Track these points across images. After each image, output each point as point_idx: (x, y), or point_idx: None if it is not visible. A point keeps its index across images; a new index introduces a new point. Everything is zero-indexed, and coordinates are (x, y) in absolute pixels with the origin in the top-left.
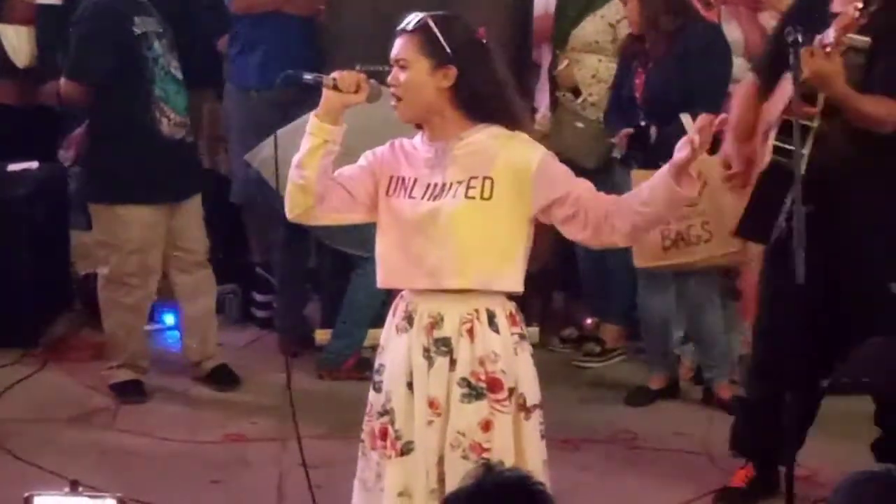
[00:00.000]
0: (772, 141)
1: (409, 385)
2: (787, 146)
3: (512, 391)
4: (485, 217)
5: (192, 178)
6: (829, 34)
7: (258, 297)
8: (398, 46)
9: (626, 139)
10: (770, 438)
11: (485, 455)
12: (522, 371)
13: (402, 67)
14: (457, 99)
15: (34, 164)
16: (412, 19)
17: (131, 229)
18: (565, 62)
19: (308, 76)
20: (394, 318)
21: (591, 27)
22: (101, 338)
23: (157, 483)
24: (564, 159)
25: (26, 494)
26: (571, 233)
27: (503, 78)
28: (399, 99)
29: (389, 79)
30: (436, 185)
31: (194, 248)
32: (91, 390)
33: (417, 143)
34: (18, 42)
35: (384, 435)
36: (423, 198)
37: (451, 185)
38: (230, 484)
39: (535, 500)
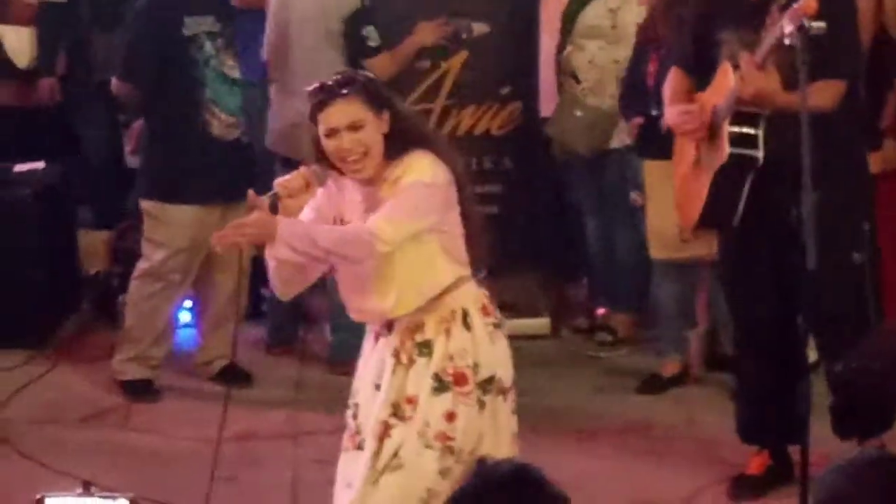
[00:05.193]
0: (727, 131)
1: (377, 386)
2: (746, 132)
3: (491, 379)
4: (413, 245)
5: (244, 180)
6: (763, 46)
7: (267, 294)
8: (341, 112)
9: (636, 128)
10: (771, 421)
11: (448, 444)
12: (499, 358)
13: (357, 128)
14: (387, 142)
15: (40, 165)
16: (342, 84)
17: (183, 228)
18: (569, 48)
19: (265, 198)
20: (372, 326)
21: (592, 12)
22: (112, 337)
23: (170, 482)
24: (561, 145)
25: (38, 495)
26: None
27: (412, 110)
28: (364, 156)
29: (346, 144)
30: None
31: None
32: (102, 390)
33: (349, 185)
34: (19, 43)
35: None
36: None
37: None
38: (243, 481)
39: (540, 487)
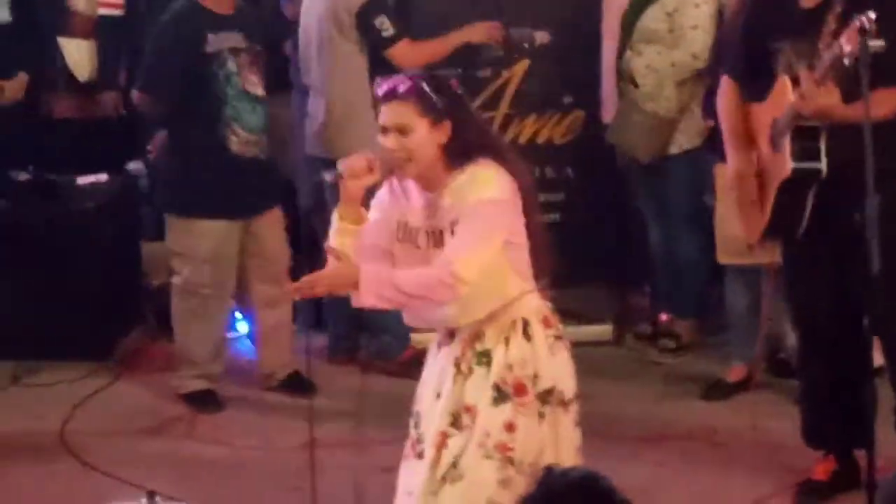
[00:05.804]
0: (788, 147)
1: (439, 395)
2: (808, 146)
3: (551, 390)
4: None
5: (266, 194)
6: (822, 63)
7: (326, 303)
8: (393, 113)
9: (708, 130)
10: (834, 426)
11: (508, 454)
12: (559, 370)
13: (405, 133)
14: (447, 150)
15: (103, 177)
16: (398, 85)
17: (204, 241)
18: (628, 53)
19: (328, 176)
20: (436, 335)
21: (650, 16)
22: (174, 349)
23: (235, 492)
24: (621, 151)
25: None
26: None
27: (480, 119)
28: (407, 161)
29: (390, 144)
30: (434, 232)
31: (274, 258)
32: (165, 401)
33: (411, 188)
34: (80, 56)
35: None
36: (427, 246)
37: (447, 232)
38: (308, 490)
39: (608, 495)
